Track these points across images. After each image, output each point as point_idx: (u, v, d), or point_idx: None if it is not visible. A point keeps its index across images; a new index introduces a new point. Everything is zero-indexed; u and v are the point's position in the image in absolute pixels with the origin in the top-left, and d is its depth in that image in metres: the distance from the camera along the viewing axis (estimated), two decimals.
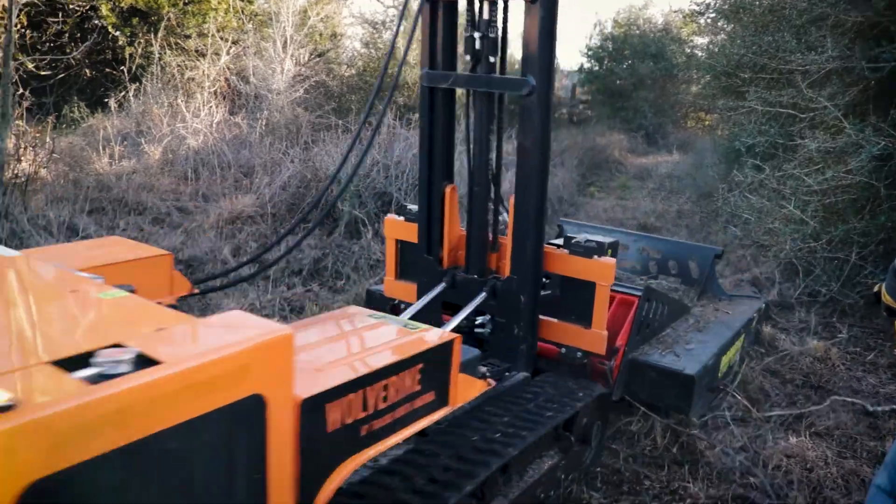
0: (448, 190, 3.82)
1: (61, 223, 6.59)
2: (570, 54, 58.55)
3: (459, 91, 3.85)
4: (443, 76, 3.65)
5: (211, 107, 10.66)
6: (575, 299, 3.63)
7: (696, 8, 11.06)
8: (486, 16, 3.50)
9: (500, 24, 3.54)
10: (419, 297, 3.86)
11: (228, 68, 12.43)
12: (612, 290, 3.75)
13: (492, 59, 3.54)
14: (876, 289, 2.43)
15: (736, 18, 9.53)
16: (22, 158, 7.50)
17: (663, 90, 19.12)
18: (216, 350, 1.63)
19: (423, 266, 3.92)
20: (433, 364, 2.41)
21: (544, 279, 3.70)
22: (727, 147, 10.37)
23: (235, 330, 1.82)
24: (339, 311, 2.89)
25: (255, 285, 5.95)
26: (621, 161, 15.10)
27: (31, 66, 11.38)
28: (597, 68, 19.80)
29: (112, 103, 11.48)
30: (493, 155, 3.67)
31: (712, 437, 4.05)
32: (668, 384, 3.89)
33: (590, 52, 19.87)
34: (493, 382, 2.90)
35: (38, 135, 8.29)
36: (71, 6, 12.66)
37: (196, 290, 3.16)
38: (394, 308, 4.27)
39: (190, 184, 8.94)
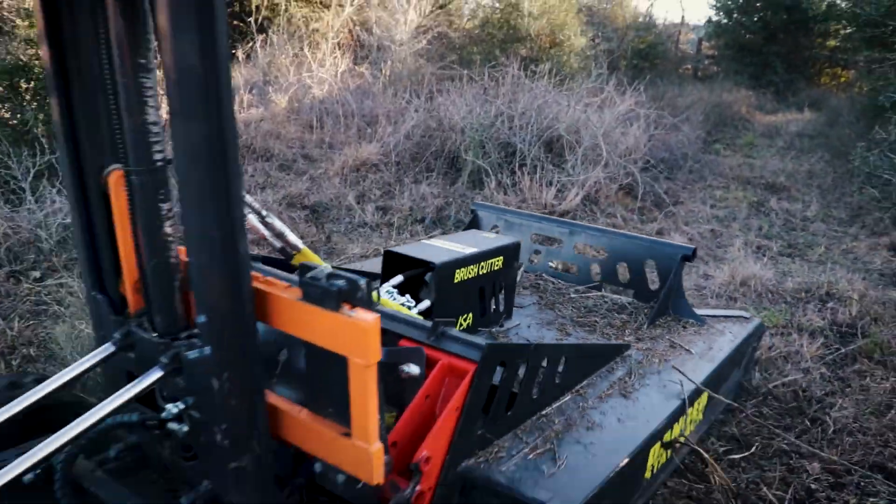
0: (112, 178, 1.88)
1: None
2: (699, 6, 56.13)
3: None
4: None
5: (335, 57, 10.85)
6: (326, 381, 1.85)
7: None
8: None
9: None
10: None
11: (352, 19, 12.59)
12: (436, 349, 2.19)
13: None
14: None
15: None
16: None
17: (796, 44, 18.12)
18: None
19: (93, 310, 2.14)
20: None
21: None
22: (867, 103, 9.79)
23: None
24: None
25: (378, 231, 6.08)
26: (748, 118, 14.48)
27: None
28: (725, 21, 18.94)
29: (240, 54, 11.84)
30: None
31: None
32: None
33: (718, 4, 19.01)
34: None
35: None
36: None
37: None
38: None
39: (315, 132, 9.17)
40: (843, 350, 4.50)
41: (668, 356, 3.17)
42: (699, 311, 3.73)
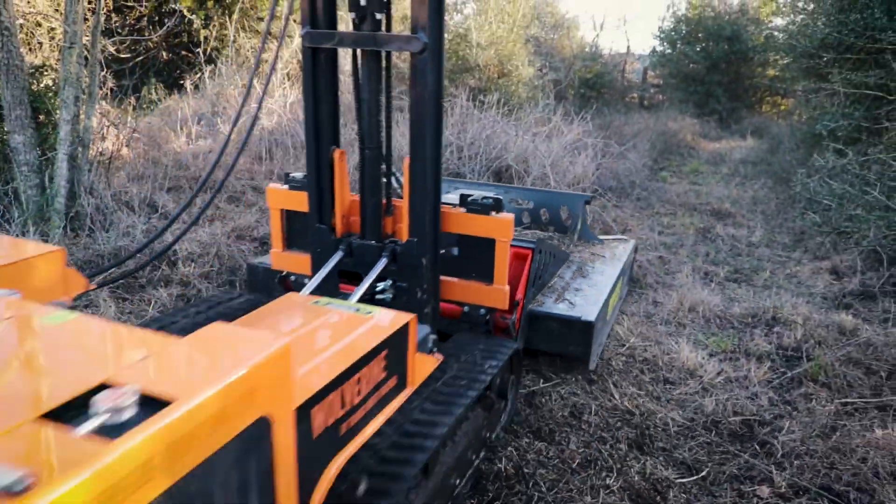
0: (337, 155, 3.51)
1: (142, 200, 6.78)
2: (643, 37, 57.52)
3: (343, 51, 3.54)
4: (326, 35, 3.28)
5: (284, 88, 10.80)
6: (475, 257, 3.59)
7: None
8: None
9: None
10: (314, 267, 3.65)
11: (301, 50, 12.57)
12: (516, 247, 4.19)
13: (378, 16, 3.21)
14: None
15: None
16: (105, 137, 7.74)
17: (738, 74, 18.65)
18: (221, 377, 1.43)
19: (315, 235, 3.63)
20: (395, 348, 2.33)
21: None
22: (806, 131, 10.07)
23: (231, 348, 1.63)
24: (282, 301, 2.57)
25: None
26: (694, 146, 14.79)
27: (112, 48, 11.69)
28: (669, 51, 19.41)
29: (188, 85, 11.74)
30: (383, 116, 3.36)
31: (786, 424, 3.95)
32: (568, 332, 4.12)
33: (662, 35, 19.49)
34: (440, 356, 2.86)
35: (119, 115, 8.54)
36: None
37: (93, 286, 3.06)
38: (283, 280, 4.17)
39: (264, 163, 9.10)
40: (789, 374, 4.57)
41: (594, 259, 5.33)
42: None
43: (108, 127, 7.86)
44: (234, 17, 12.67)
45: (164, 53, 14.03)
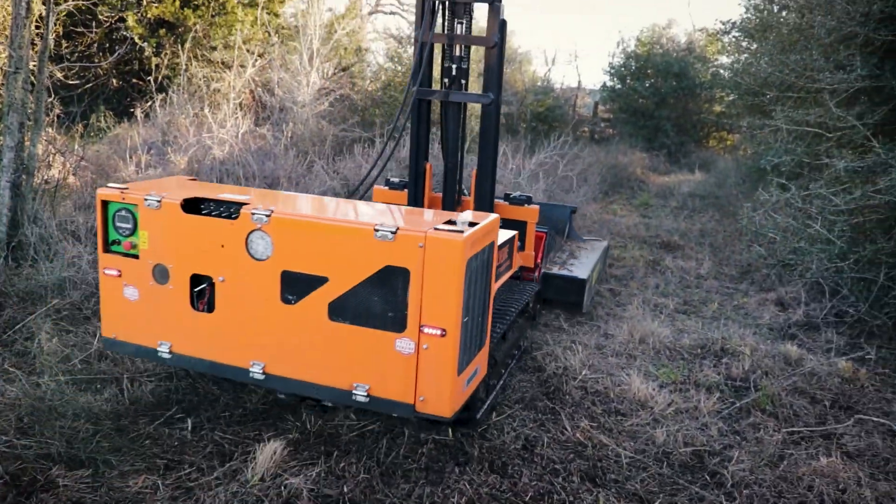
0: (427, 167, 5.58)
1: (89, 229, 6.64)
2: (594, 71, 58.73)
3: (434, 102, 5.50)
4: (432, 92, 5.29)
5: (237, 118, 10.74)
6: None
7: (722, 27, 11.05)
8: (458, 53, 5.20)
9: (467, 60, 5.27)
10: None
11: (254, 80, 12.54)
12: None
13: (462, 82, 5.25)
14: None
15: (762, 37, 9.51)
16: (52, 165, 7.58)
17: (685, 109, 19.10)
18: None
19: None
20: (511, 244, 4.63)
21: None
22: (751, 166, 10.33)
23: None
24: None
25: None
26: (643, 179, 15.06)
27: (60, 74, 11.51)
28: (619, 86, 19.80)
29: (138, 113, 11.59)
30: (460, 144, 5.40)
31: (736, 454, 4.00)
32: (569, 286, 6.19)
33: (612, 71, 19.88)
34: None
35: (66, 142, 8.38)
36: (100, 17, 12.82)
37: None
38: None
39: None
40: (737, 404, 4.64)
41: (580, 250, 7.25)
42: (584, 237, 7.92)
43: (55, 154, 7.70)
44: (187, 45, 12.58)
45: (115, 81, 13.86)
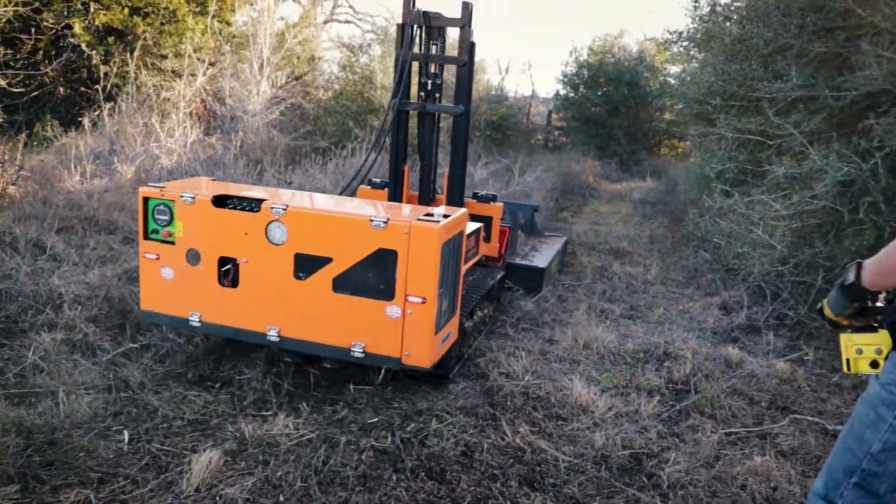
0: (405, 168, 6.34)
1: (28, 241, 6.52)
2: (548, 80, 59.32)
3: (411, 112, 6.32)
4: (409, 104, 6.08)
5: (185, 127, 10.63)
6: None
7: (670, 36, 11.26)
8: (433, 70, 6.07)
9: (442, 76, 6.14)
10: None
11: (205, 89, 12.42)
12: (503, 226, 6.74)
13: (437, 95, 6.10)
14: (820, 305, 2.47)
15: (707, 47, 9.70)
16: None
17: (637, 117, 19.37)
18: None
19: None
20: (478, 235, 5.79)
21: None
22: (699, 173, 10.50)
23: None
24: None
25: None
26: (595, 187, 15.23)
27: (3, 82, 11.29)
28: (572, 95, 20.01)
29: (86, 122, 11.41)
30: (434, 149, 6.24)
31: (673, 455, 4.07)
32: (530, 274, 7.19)
33: (565, 80, 20.09)
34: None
35: (8, 152, 8.22)
36: (45, 24, 12.59)
37: None
38: None
39: None
40: (677, 406, 4.71)
41: (541, 244, 8.14)
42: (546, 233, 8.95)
43: None
44: (136, 53, 12.42)
45: (62, 89, 13.61)
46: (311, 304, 4.26)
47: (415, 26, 5.93)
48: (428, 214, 4.17)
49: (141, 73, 12.25)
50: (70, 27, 12.84)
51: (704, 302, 7.26)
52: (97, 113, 11.57)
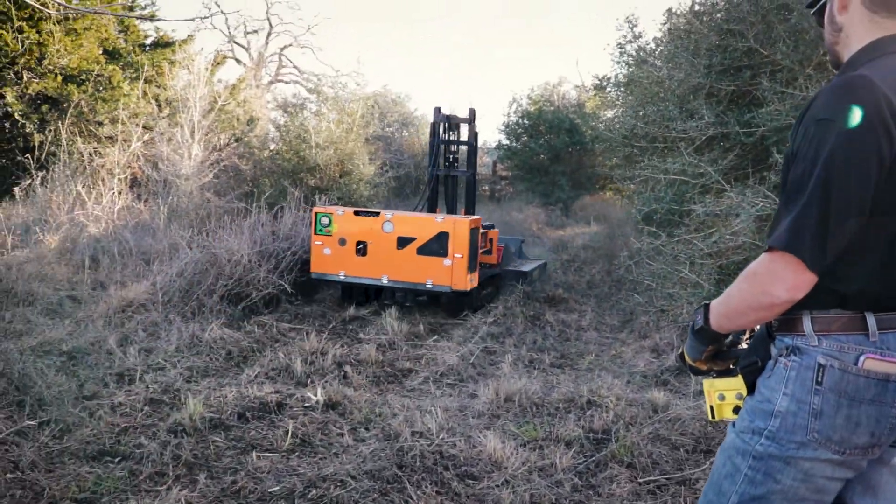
0: (437, 211, 9.45)
1: None
2: (489, 132, 60.37)
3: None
4: (444, 171, 10.10)
5: (113, 193, 10.44)
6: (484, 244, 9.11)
7: (597, 82, 11.43)
8: (453, 149, 10.21)
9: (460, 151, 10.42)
10: None
11: (142, 154, 12.28)
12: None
13: (455, 164, 10.22)
14: (680, 350, 2.38)
15: (628, 90, 9.85)
16: None
17: (580, 163, 19.57)
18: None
19: None
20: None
21: None
22: (634, 215, 10.57)
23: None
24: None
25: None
26: (539, 234, 15.28)
27: None
28: (515, 144, 20.19)
29: (17, 192, 11.17)
30: (455, 198, 10.19)
31: None
32: (519, 277, 9.66)
33: (507, 129, 20.30)
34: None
35: None
36: None
37: None
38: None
39: (88, 272, 8.66)
40: (595, 456, 4.59)
41: (527, 262, 10.94)
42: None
43: None
44: (67, 121, 12.26)
45: None
46: (405, 262, 7.84)
47: (441, 123, 9.83)
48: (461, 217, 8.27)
49: (76, 140, 12.07)
50: (2, 97, 12.67)
51: (637, 345, 7.20)
52: (28, 183, 11.34)
